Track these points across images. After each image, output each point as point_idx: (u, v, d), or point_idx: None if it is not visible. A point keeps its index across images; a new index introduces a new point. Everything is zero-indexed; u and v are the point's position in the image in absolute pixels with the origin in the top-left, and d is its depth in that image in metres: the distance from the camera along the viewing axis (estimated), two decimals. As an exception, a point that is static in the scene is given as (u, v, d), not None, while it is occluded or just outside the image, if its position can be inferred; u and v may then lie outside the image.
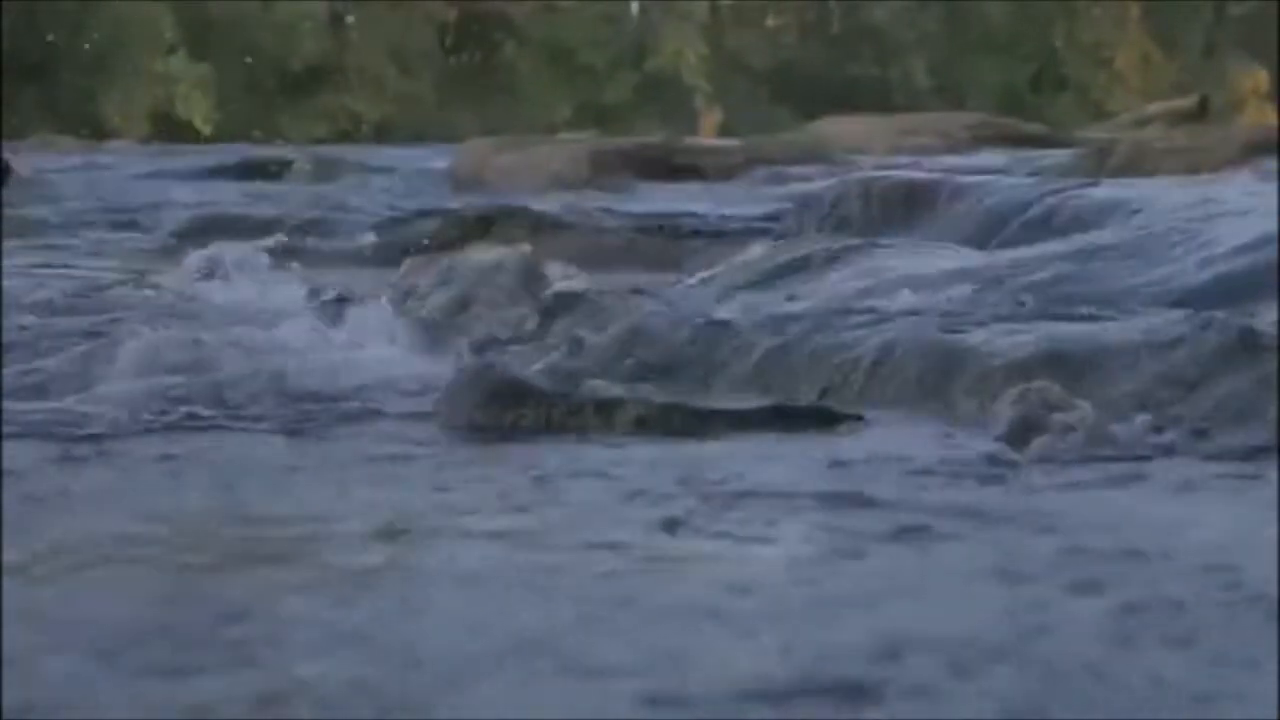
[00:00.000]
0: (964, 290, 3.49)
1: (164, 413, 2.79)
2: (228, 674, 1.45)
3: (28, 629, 1.56)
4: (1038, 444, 2.39)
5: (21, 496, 2.19)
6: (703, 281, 4.39)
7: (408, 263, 4.53)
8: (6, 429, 2.63)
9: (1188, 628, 1.56)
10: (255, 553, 1.93)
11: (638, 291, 3.90)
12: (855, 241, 4.42)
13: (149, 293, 4.80)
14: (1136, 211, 3.97)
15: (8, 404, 2.81)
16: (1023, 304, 3.29)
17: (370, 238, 6.89)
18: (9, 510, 2.08)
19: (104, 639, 1.55)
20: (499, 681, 1.43)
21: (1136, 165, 8.65)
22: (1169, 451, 2.38)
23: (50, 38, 33.41)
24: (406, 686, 1.42)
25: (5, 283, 4.53)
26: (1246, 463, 2.30)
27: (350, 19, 43.50)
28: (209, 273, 4.59)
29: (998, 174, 7.53)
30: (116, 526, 2.02)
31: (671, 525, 2.00)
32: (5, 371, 3.16)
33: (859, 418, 2.70)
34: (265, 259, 4.40)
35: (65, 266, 6.09)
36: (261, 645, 1.53)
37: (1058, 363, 2.69)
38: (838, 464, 2.35)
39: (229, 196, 10.23)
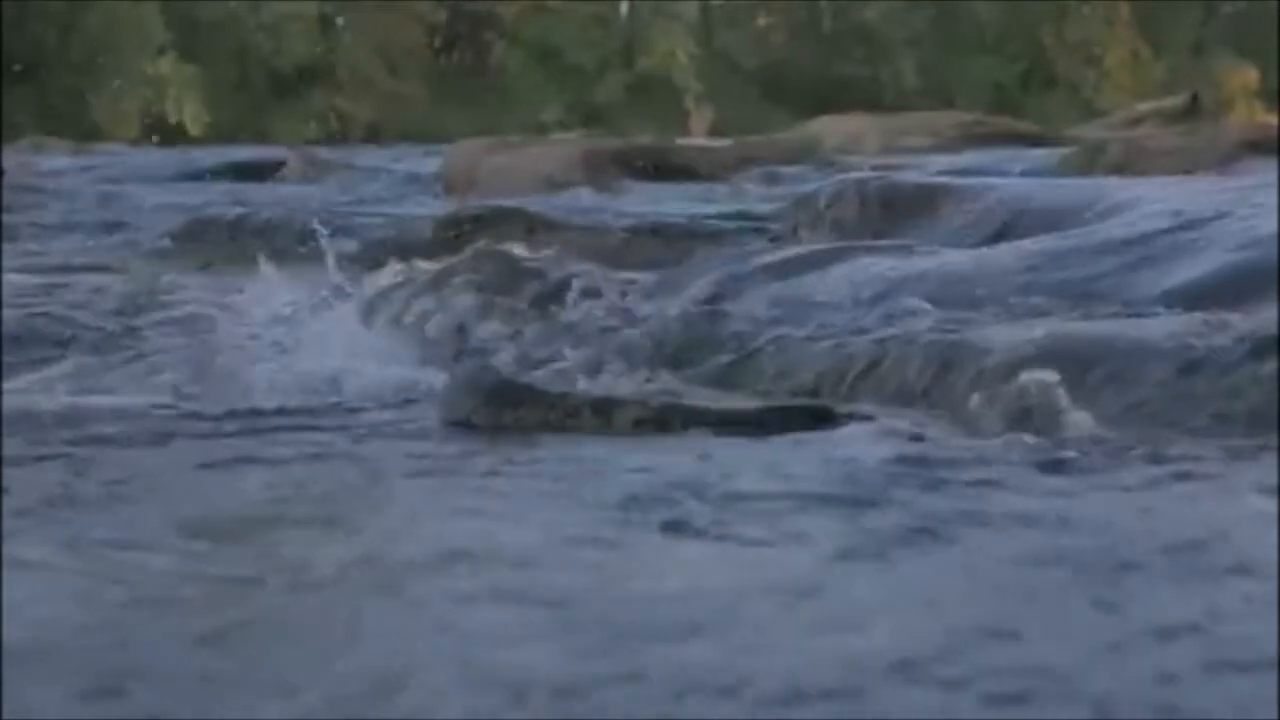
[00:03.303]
0: (962, 289, 3.49)
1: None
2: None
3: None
4: (1040, 441, 2.39)
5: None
6: (696, 281, 4.38)
7: (399, 266, 4.52)
8: None
9: (1192, 630, 1.55)
10: (262, 553, 1.92)
11: (631, 291, 3.89)
12: (851, 241, 4.42)
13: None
14: (1133, 210, 3.98)
15: None
16: (1013, 303, 3.29)
17: (362, 240, 6.88)
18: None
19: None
20: (497, 683, 1.42)
21: (1131, 164, 8.67)
22: (1171, 451, 2.38)
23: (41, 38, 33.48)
24: (399, 688, 1.41)
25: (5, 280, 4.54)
26: (1248, 462, 2.29)
27: (340, 20, 43.54)
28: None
29: (991, 173, 7.54)
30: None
31: (671, 527, 1.99)
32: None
33: (858, 417, 2.69)
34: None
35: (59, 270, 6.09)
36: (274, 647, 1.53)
37: (1059, 361, 2.69)
38: (838, 463, 2.34)
39: (220, 198, 10.22)
